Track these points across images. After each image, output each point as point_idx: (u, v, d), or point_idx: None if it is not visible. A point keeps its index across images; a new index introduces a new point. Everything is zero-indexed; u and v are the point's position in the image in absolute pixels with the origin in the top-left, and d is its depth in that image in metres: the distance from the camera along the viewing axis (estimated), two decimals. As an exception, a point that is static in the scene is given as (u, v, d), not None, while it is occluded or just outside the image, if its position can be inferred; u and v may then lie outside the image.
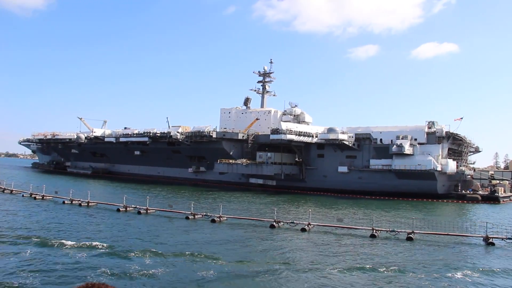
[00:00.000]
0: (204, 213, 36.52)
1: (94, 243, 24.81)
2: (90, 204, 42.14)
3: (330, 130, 76.14)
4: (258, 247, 26.56)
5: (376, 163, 74.63)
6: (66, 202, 43.12)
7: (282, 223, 34.07)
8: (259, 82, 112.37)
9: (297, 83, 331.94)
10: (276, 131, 77.04)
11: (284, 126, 76.40)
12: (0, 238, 25.88)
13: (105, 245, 24.64)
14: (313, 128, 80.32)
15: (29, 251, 22.71)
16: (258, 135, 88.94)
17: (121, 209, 38.94)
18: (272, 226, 33.33)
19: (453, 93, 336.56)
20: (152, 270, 19.74)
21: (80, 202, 42.82)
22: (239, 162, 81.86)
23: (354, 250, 26.71)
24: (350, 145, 75.36)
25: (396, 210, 52.47)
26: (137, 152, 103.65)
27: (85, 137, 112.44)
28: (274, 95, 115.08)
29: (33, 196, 47.26)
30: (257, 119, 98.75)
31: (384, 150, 73.96)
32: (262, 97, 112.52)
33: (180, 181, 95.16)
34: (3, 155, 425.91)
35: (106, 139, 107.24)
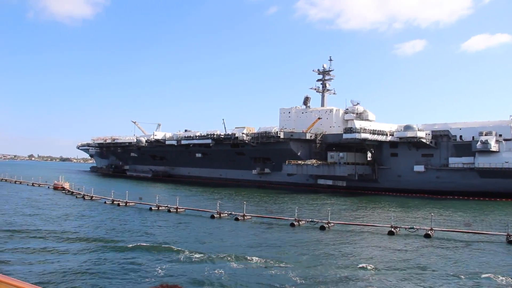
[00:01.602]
0: (310, 219, 34.22)
1: (222, 255, 22.89)
2: (179, 210, 40.49)
3: (407, 128, 72.71)
4: (404, 258, 24.09)
5: (456, 162, 70.69)
6: (153, 208, 41.66)
7: (398, 229, 31.37)
8: (318, 80, 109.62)
9: (345, 82, 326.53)
10: (349, 130, 74.33)
11: (358, 124, 73.70)
12: (118, 248, 24.35)
13: (232, 255, 22.73)
14: (386, 126, 76.97)
15: (154, 259, 21.09)
16: (327, 134, 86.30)
17: (215, 216, 37.07)
18: (390, 233, 30.69)
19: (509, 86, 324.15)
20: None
21: (168, 208, 41.22)
22: (309, 163, 79.39)
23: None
24: (427, 143, 71.71)
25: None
26: (198, 155, 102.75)
27: (146, 140, 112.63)
28: (334, 94, 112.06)
29: (115, 202, 46.11)
30: (319, 118, 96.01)
31: (465, 148, 70.00)
32: (322, 96, 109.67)
33: (243, 183, 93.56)
34: (57, 159, 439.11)
35: (167, 142, 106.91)
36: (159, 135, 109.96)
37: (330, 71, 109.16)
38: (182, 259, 21.93)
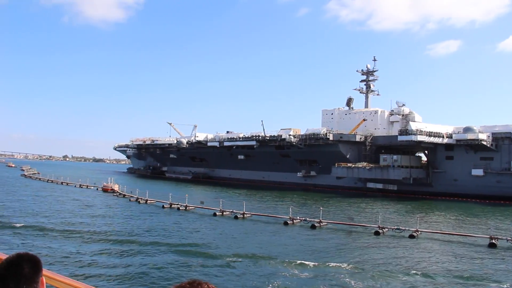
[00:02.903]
0: (396, 227, 31.74)
1: (334, 265, 20.73)
2: (245, 215, 38.43)
3: (467, 130, 69.22)
4: None
5: (520, 166, 66.94)
6: (217, 214, 39.62)
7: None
8: (362, 81, 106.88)
9: (380, 83, 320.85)
10: (405, 131, 71.36)
11: (414, 126, 70.56)
12: (218, 257, 22.44)
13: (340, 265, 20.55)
14: (442, 128, 73.56)
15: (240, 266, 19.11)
16: (377, 136, 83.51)
17: (288, 222, 34.86)
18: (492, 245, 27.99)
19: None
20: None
21: (233, 213, 39.20)
22: (360, 165, 76.67)
23: None
24: (488, 145, 68.15)
25: None
26: (241, 157, 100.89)
27: (187, 141, 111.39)
28: (378, 95, 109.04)
29: (173, 206, 44.35)
30: (364, 119, 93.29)
31: (530, 151, 66.28)
32: (366, 97, 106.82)
33: (287, 186, 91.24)
34: (91, 160, 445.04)
35: (209, 144, 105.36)
36: (200, 137, 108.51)
37: (374, 71, 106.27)
38: (290, 272, 19.84)
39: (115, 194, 59.40)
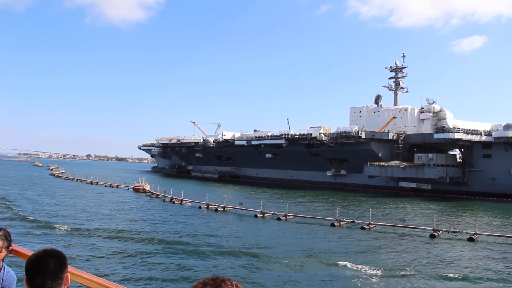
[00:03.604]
0: (452, 229, 30.20)
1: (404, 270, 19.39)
2: (288, 217, 37.12)
3: (508, 127, 66.87)
4: None
5: None
6: (258, 215, 38.40)
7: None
8: (391, 78, 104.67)
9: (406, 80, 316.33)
10: (441, 129, 69.33)
11: (451, 123, 68.47)
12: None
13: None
14: (480, 125, 71.22)
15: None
16: (410, 134, 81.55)
17: (335, 224, 33.50)
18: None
19: None
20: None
21: (275, 215, 37.87)
22: (393, 164, 74.81)
23: None
24: (530, 143, 65.74)
25: None
26: (268, 155, 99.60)
27: (214, 140, 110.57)
28: (407, 92, 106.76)
29: (211, 207, 43.25)
30: (394, 117, 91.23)
31: None
32: (395, 94, 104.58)
33: (316, 185, 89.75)
34: (113, 159, 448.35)
35: (236, 142, 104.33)
36: (227, 135, 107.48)
37: (403, 68, 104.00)
38: (353, 277, 18.59)
39: (147, 194, 58.59)
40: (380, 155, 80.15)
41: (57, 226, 30.17)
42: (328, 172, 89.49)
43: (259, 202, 48.39)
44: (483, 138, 68.72)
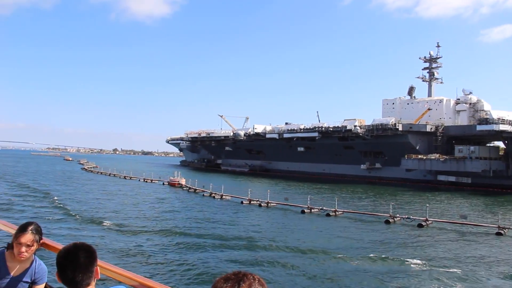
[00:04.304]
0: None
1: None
2: (337, 213, 35.70)
3: (557, 119, 64.29)
4: None
5: None
6: (305, 211, 37.07)
7: None
8: (425, 68, 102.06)
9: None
10: (485, 120, 66.93)
11: (495, 115, 65.95)
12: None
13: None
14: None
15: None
16: (449, 126, 79.23)
17: (390, 220, 31.95)
18: None
19: None
20: None
21: (324, 210, 36.48)
22: (432, 157, 72.66)
23: None
24: None
25: None
26: (300, 148, 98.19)
27: (244, 133, 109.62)
28: (441, 83, 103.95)
29: (253, 203, 42.03)
30: (429, 109, 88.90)
31: None
32: (429, 85, 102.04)
33: (349, 179, 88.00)
34: (139, 153, 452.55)
35: (267, 136, 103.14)
36: (259, 128, 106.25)
37: (438, 58, 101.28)
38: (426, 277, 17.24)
39: (184, 188, 57.73)
40: (417, 147, 78.08)
41: (100, 221, 29.46)
42: (362, 165, 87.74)
43: (302, 197, 47.50)
44: (529, 129, 66.04)
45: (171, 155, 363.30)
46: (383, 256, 21.45)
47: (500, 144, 77.47)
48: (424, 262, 20.52)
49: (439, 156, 72.62)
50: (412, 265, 19.96)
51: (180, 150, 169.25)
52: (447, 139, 78.48)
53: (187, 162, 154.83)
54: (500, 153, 73.47)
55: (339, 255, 21.39)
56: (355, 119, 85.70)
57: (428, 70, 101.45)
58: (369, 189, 66.06)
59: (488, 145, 79.32)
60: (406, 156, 75.57)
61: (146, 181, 70.45)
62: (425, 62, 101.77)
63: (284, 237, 26.30)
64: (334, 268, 19.45)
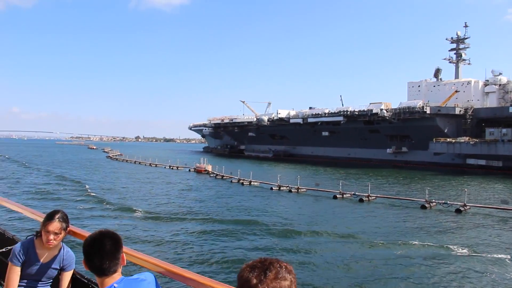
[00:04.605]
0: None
1: None
2: (370, 198, 34.95)
3: None
4: None
5: None
6: (337, 196, 36.43)
7: None
8: (452, 50, 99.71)
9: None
10: (518, 102, 65.04)
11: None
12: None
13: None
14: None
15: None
16: (479, 108, 77.44)
17: (426, 206, 31.06)
18: None
19: None
20: None
21: (357, 196, 35.75)
22: (462, 140, 71.14)
23: None
24: None
25: None
26: (325, 133, 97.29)
27: (268, 119, 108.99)
28: (469, 64, 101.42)
29: (283, 189, 41.51)
30: (456, 91, 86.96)
31: None
32: (457, 67, 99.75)
33: (375, 163, 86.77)
34: (161, 140, 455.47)
35: (291, 121, 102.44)
36: (282, 113, 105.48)
37: (466, 38, 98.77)
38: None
39: (211, 175, 57.46)
40: (445, 131, 76.49)
41: (131, 208, 29.35)
42: (388, 149, 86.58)
43: (330, 182, 46.87)
44: None
45: (193, 141, 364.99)
46: (425, 242, 20.84)
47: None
48: (467, 248, 19.89)
49: (468, 139, 71.03)
50: (455, 252, 19.34)
51: (203, 136, 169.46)
52: (477, 122, 76.69)
53: (210, 148, 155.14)
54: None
55: (379, 242, 20.86)
56: (381, 103, 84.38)
57: (455, 51, 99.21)
58: (397, 174, 65.05)
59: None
60: (434, 139, 74.10)
61: (172, 168, 70.43)
62: (452, 43, 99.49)
63: (318, 223, 25.84)
64: (374, 255, 18.93)
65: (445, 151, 73.61)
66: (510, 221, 27.15)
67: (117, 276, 2.74)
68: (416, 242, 20.81)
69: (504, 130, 67.33)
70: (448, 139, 73.26)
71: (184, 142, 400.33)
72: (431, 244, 20.62)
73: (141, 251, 3.42)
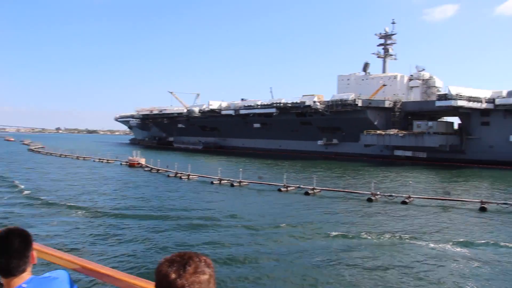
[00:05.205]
0: (503, 201, 28.36)
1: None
2: (315, 191, 34.40)
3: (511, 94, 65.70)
4: None
5: None
6: (282, 189, 35.44)
7: None
8: (380, 45, 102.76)
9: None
10: (444, 96, 67.51)
11: (454, 90, 66.65)
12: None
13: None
14: (482, 92, 69.56)
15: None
16: (407, 102, 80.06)
17: (372, 198, 31.06)
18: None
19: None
20: None
21: (302, 189, 34.95)
22: (391, 132, 73.18)
23: None
24: (532, 110, 64.68)
25: None
26: (256, 125, 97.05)
27: (199, 110, 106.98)
28: (395, 59, 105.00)
29: (224, 182, 39.80)
30: (384, 85, 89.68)
31: None
32: (384, 62, 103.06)
33: (306, 155, 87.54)
34: (84, 132, 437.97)
35: (223, 112, 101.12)
36: (214, 105, 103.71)
37: (393, 34, 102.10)
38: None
39: (146, 169, 54.82)
40: (375, 123, 78.43)
41: (60, 204, 27.47)
42: (319, 141, 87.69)
43: (275, 175, 46.27)
44: (484, 105, 67.28)
45: (117, 133, 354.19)
46: (375, 232, 20.93)
47: (451, 119, 79.46)
48: (412, 235, 20.60)
49: (397, 131, 73.24)
50: (406, 241, 19.66)
51: (130, 128, 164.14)
52: (404, 115, 79.31)
53: (137, 140, 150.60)
54: (454, 129, 75.01)
55: (332, 234, 20.72)
56: (313, 95, 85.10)
57: (383, 47, 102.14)
58: (327, 165, 65.75)
59: (440, 120, 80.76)
60: (365, 131, 75.74)
61: (102, 162, 66.95)
62: (380, 38, 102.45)
63: (267, 216, 25.18)
64: (327, 246, 18.92)
65: (375, 143, 75.51)
66: (450, 209, 27.84)
67: (26, 275, 2.50)
68: (365, 233, 20.95)
69: (430, 123, 70.02)
70: (378, 131, 75.17)
71: (108, 133, 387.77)
72: (380, 233, 20.86)
73: (60, 249, 3.25)
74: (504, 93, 66.69)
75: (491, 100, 66.76)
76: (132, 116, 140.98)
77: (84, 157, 72.17)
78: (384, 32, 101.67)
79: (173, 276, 1.69)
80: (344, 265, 16.34)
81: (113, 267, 2.86)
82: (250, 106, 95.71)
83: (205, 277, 1.74)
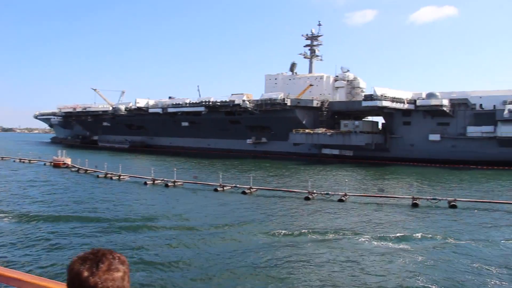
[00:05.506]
0: (432, 197, 29.86)
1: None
2: (252, 190, 34.41)
3: (431, 96, 69.07)
4: None
5: (475, 130, 68.01)
6: (218, 189, 35.04)
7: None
8: (306, 46, 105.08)
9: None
10: (370, 97, 69.91)
11: (379, 91, 69.21)
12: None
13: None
14: (404, 93, 72.80)
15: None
16: (334, 102, 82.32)
17: (310, 197, 31.58)
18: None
19: (454, 58, 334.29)
20: None
21: (238, 188, 34.91)
22: (319, 131, 74.92)
23: None
24: (447, 111, 68.65)
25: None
26: (185, 123, 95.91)
27: (125, 108, 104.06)
28: (321, 60, 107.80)
29: (157, 183, 38.75)
30: (311, 85, 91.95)
31: (486, 117, 67.36)
32: (310, 62, 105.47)
33: (235, 154, 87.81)
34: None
35: (150, 110, 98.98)
36: (141, 103, 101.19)
37: (319, 36, 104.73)
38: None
39: (73, 169, 52.24)
40: (304, 122, 79.94)
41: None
42: (248, 140, 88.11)
43: (209, 174, 45.87)
44: (406, 106, 70.53)
45: (36, 131, 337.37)
46: (314, 230, 21.29)
47: (375, 119, 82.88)
48: (351, 232, 21.11)
49: (325, 130, 75.12)
50: (340, 237, 20.13)
51: (51, 126, 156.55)
52: (331, 114, 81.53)
53: (59, 139, 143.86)
54: (379, 128, 78.17)
55: (269, 232, 20.82)
56: (243, 94, 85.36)
57: (309, 48, 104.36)
58: (256, 163, 66.33)
59: (365, 120, 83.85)
60: (294, 130, 77.02)
61: (24, 162, 63.15)
62: (307, 39, 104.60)
63: (204, 217, 25.00)
64: (267, 243, 18.99)
65: (304, 141, 76.95)
66: (385, 206, 28.96)
67: None
68: (306, 230, 21.29)
69: (356, 122, 72.53)
70: (307, 130, 76.69)
71: (26, 132, 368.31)
72: (322, 230, 21.28)
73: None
74: (424, 95, 70.23)
75: (412, 101, 70.07)
76: (53, 114, 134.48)
77: (3, 157, 67.68)
78: (311, 33, 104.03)
79: (85, 274, 1.65)
80: (289, 262, 16.49)
81: (36, 274, 2.58)
82: (179, 104, 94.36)
83: (119, 274, 1.70)
